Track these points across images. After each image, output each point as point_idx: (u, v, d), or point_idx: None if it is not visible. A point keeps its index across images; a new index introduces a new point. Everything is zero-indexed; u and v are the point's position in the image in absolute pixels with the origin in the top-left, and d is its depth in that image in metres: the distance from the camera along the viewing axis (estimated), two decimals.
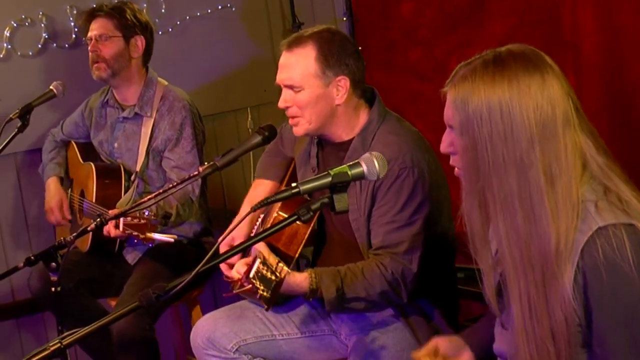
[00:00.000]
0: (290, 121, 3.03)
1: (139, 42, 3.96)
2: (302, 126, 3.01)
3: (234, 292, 2.97)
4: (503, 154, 1.98)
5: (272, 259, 2.62)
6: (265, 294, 2.46)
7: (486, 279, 2.18)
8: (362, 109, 3.04)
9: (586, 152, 2.02)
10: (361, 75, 3.01)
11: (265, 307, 2.58)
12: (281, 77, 3.01)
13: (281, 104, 3.02)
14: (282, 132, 3.38)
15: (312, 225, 3.06)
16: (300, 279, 2.81)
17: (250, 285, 2.56)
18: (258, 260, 2.47)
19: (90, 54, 3.90)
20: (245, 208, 3.30)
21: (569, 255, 1.96)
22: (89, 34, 3.91)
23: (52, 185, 4.13)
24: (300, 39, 2.98)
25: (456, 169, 2.14)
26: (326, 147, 3.13)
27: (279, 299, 3.07)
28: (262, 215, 3.31)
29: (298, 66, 2.95)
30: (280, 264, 2.49)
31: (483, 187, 2.02)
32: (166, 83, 4.06)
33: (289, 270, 2.54)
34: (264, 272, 2.46)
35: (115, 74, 3.93)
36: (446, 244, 3.05)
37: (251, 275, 2.46)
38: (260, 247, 2.78)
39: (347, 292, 2.84)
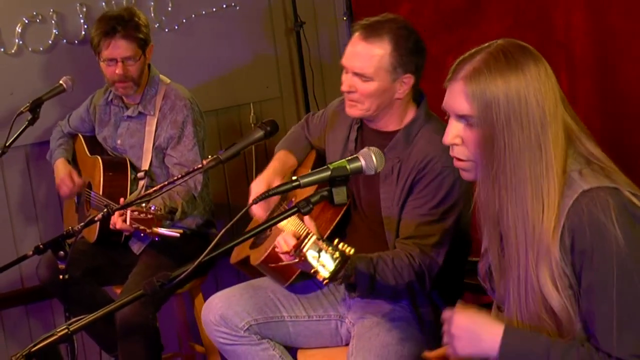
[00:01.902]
0: (349, 103, 3.01)
1: (150, 49, 3.95)
2: (358, 110, 3.00)
3: (281, 264, 2.85)
4: (519, 140, 2.02)
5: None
6: (327, 268, 2.35)
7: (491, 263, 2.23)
8: (411, 104, 3.05)
9: (572, 129, 2.08)
10: (422, 72, 3.03)
11: (325, 281, 2.46)
12: (352, 64, 2.97)
13: (345, 87, 3.00)
14: (309, 120, 3.41)
15: (343, 210, 3.06)
16: None
17: (297, 260, 2.48)
18: (314, 236, 2.33)
19: (115, 75, 3.83)
20: (279, 155, 3.34)
21: (557, 221, 2.00)
22: (111, 55, 3.81)
23: (60, 165, 4.11)
24: (378, 30, 2.95)
25: (456, 160, 2.16)
26: (367, 134, 3.13)
27: (299, 278, 3.06)
28: (284, 198, 3.29)
29: (373, 59, 2.93)
30: (342, 242, 2.35)
31: (497, 174, 2.04)
32: (169, 81, 4.05)
33: (352, 249, 2.43)
34: (324, 247, 2.35)
35: (139, 87, 3.93)
36: (464, 241, 3.05)
37: (305, 249, 2.34)
38: (311, 225, 2.67)
39: (379, 280, 2.81)
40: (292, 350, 3.26)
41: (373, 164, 2.36)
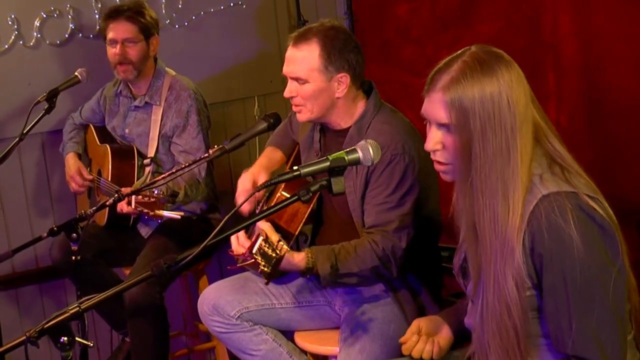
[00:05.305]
0: (294, 108, 3.03)
1: (155, 41, 3.95)
2: (304, 114, 3.00)
3: (238, 265, 2.97)
4: (493, 145, 2.00)
5: (274, 237, 2.60)
6: (266, 269, 2.45)
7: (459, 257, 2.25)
8: (359, 99, 3.03)
9: (541, 127, 2.07)
10: (361, 70, 2.99)
11: (265, 281, 2.57)
12: (287, 69, 2.99)
13: (286, 93, 3.01)
14: (292, 117, 3.39)
15: (311, 205, 3.05)
16: (298, 259, 2.81)
17: (253, 260, 2.55)
18: (261, 238, 2.45)
19: (115, 56, 3.85)
20: (266, 152, 3.35)
21: (519, 225, 1.99)
22: (113, 36, 3.85)
23: (71, 160, 4.13)
24: (306, 35, 2.96)
25: (437, 164, 2.15)
26: (327, 134, 3.12)
27: (278, 273, 3.08)
28: (267, 193, 3.30)
29: (303, 61, 2.93)
30: (281, 242, 2.48)
31: (473, 179, 2.03)
32: (174, 73, 4.05)
33: (289, 249, 2.53)
34: (266, 249, 2.44)
35: (140, 73, 3.93)
36: (432, 224, 3.05)
37: (254, 251, 2.45)
38: (264, 226, 2.76)
39: (341, 268, 2.83)
40: (289, 334, 3.26)
41: (370, 156, 2.36)
